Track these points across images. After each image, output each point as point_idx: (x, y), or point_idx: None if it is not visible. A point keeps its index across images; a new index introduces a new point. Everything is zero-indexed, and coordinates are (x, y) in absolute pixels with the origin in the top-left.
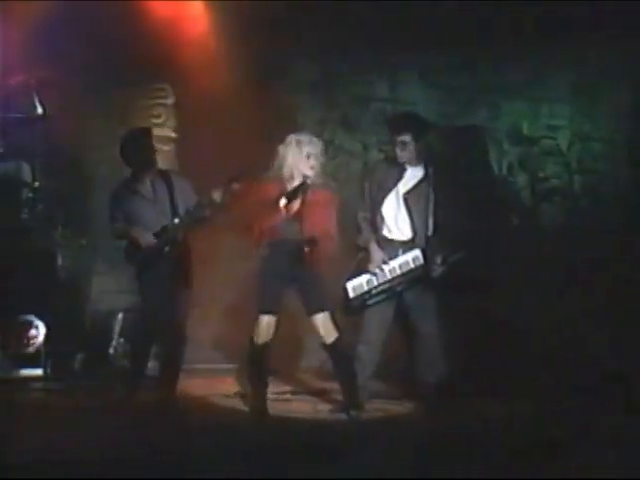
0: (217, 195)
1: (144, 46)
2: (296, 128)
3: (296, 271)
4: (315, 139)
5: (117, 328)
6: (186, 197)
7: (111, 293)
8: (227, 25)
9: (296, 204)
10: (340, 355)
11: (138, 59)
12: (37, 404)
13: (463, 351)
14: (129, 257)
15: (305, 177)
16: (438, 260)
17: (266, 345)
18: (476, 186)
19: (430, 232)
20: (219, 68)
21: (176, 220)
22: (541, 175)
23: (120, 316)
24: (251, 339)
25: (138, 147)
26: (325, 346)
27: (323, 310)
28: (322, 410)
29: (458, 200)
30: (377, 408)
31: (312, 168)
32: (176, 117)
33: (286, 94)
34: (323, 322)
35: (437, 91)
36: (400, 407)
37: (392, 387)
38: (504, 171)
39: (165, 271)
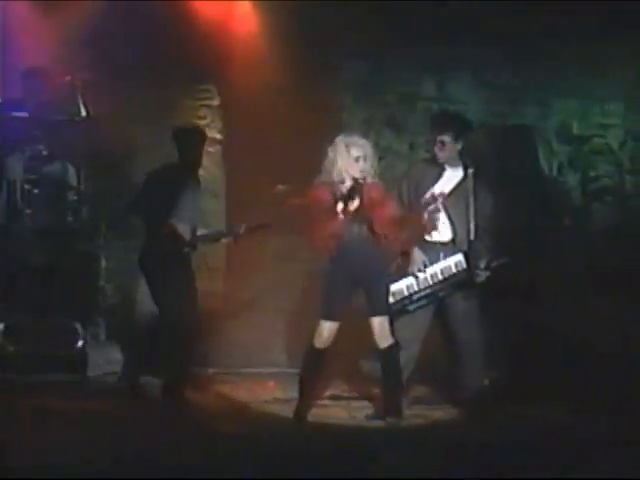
0: (241, 229)
1: (190, 47)
2: (342, 128)
3: (361, 273)
4: (364, 141)
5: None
6: None
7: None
8: (273, 25)
9: (354, 205)
10: (391, 362)
11: (184, 60)
12: (74, 409)
13: (507, 356)
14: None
15: (355, 180)
16: (482, 265)
17: (325, 352)
18: (525, 187)
19: (472, 236)
20: (265, 68)
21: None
22: (592, 175)
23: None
24: (311, 344)
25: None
26: (378, 350)
27: (384, 313)
28: (358, 417)
29: (501, 202)
30: (416, 414)
31: (362, 171)
32: (222, 118)
33: (332, 94)
34: (381, 325)
35: (486, 90)
36: (441, 413)
37: (434, 392)
38: (554, 171)
39: (181, 274)
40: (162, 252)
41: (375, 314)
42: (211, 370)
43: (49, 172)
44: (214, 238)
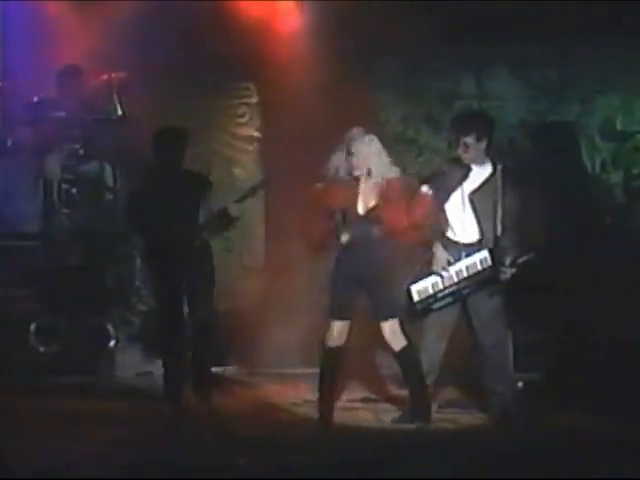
0: (234, 209)
1: (228, 45)
2: (380, 125)
3: (365, 275)
4: (370, 136)
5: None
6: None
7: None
8: (311, 23)
9: (362, 204)
10: (409, 362)
11: (222, 58)
12: (105, 410)
13: (539, 358)
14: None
15: (355, 177)
16: (507, 262)
17: (338, 351)
18: (566, 184)
19: (499, 232)
20: (303, 66)
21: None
22: (635, 172)
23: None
24: (323, 345)
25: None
26: (393, 354)
27: (392, 317)
28: (384, 420)
29: (536, 199)
30: (445, 418)
31: (386, 165)
32: (260, 116)
33: (370, 91)
34: (391, 329)
35: (527, 87)
36: (469, 418)
37: (466, 395)
38: (596, 168)
39: (179, 270)
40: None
41: (382, 318)
42: (246, 370)
43: (86, 172)
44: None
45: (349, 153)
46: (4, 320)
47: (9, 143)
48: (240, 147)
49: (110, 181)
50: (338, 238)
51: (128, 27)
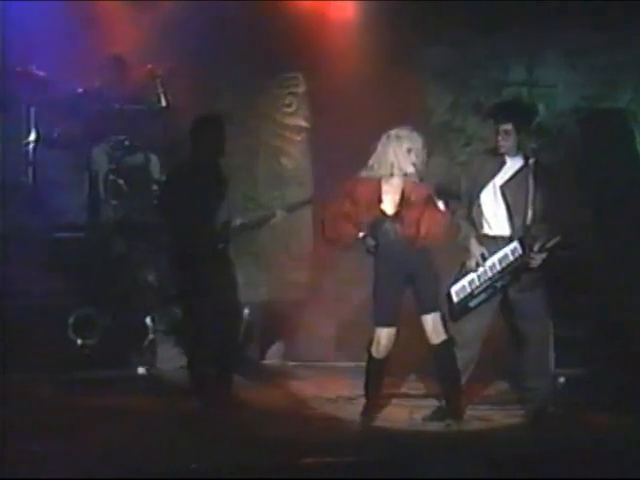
0: (280, 215)
1: (276, 34)
2: (428, 114)
3: (408, 272)
4: (416, 134)
5: (243, 322)
6: None
7: (241, 286)
8: (359, 12)
9: (399, 202)
10: (446, 357)
11: (270, 47)
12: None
13: (578, 355)
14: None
15: (405, 174)
16: (536, 247)
17: (385, 359)
18: (617, 172)
19: (529, 221)
20: (351, 55)
21: (238, 222)
22: None
23: (246, 311)
24: (369, 352)
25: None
26: (431, 347)
27: (435, 310)
28: (416, 417)
29: (564, 191)
30: (478, 416)
31: (414, 164)
32: (307, 106)
33: (418, 80)
34: (433, 322)
35: (577, 73)
36: (504, 415)
37: (505, 392)
38: None
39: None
40: (198, 250)
41: (426, 311)
42: (289, 363)
43: (133, 163)
44: (256, 224)
45: (408, 150)
46: (45, 313)
47: (55, 135)
48: (288, 137)
49: (156, 172)
50: (364, 237)
51: (175, 16)
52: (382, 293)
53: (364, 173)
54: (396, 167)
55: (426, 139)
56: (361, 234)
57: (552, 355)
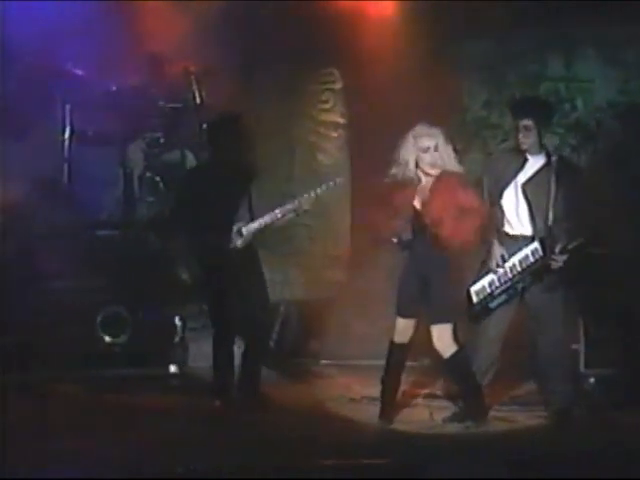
0: (306, 202)
1: (312, 30)
2: (463, 111)
3: (427, 274)
4: (435, 130)
5: (279, 320)
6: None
7: (277, 284)
8: (394, 8)
9: (424, 200)
10: (457, 370)
11: (306, 44)
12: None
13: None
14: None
15: (425, 173)
16: (557, 249)
17: (403, 348)
18: None
19: (550, 222)
20: (387, 51)
21: (262, 221)
22: None
23: (282, 308)
24: (390, 341)
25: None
26: (442, 360)
27: (444, 321)
28: (437, 418)
29: (587, 189)
30: (500, 417)
31: (432, 162)
32: (344, 102)
33: (453, 76)
34: (440, 334)
35: (616, 68)
36: (527, 416)
37: (527, 393)
38: None
39: (234, 270)
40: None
41: (434, 322)
42: (325, 362)
43: (169, 160)
44: (282, 218)
45: (425, 148)
46: (76, 310)
47: (90, 132)
48: (324, 133)
49: None
50: (398, 236)
51: (210, 13)
52: (401, 286)
53: (393, 170)
54: (415, 167)
55: (450, 132)
56: (394, 239)
57: (582, 355)
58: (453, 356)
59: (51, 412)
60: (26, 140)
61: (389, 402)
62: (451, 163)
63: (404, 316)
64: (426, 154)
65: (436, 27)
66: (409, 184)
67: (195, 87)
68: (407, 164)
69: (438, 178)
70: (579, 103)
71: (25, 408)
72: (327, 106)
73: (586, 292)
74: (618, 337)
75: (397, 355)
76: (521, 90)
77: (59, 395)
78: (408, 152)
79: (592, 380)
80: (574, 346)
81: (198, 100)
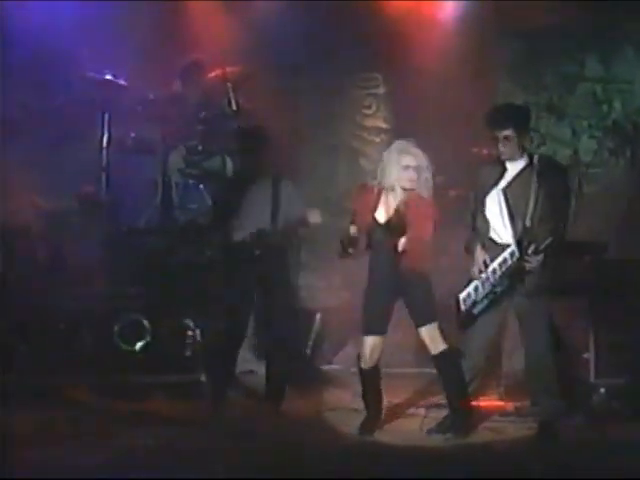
0: (313, 216)
1: (355, 35)
2: None
3: (399, 283)
4: (418, 150)
5: (315, 328)
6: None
7: (319, 290)
8: (435, 14)
9: (395, 215)
10: (447, 367)
11: (349, 49)
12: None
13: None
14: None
15: (404, 189)
16: (530, 250)
17: (375, 369)
18: None
19: (529, 223)
20: (429, 56)
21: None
22: None
23: (318, 316)
24: (358, 360)
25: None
26: (432, 357)
27: (429, 322)
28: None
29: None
30: (489, 427)
31: (411, 180)
32: (387, 107)
33: (495, 80)
34: (430, 333)
35: None
36: (518, 428)
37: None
38: None
39: (252, 274)
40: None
41: (421, 324)
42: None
43: (210, 167)
44: (292, 232)
45: (405, 167)
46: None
47: (130, 140)
48: (366, 138)
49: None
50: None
51: (252, 17)
52: (371, 301)
53: (378, 179)
54: (395, 180)
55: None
56: (352, 231)
57: (592, 365)
58: (442, 353)
59: (65, 418)
60: (66, 148)
61: (373, 415)
62: (426, 187)
63: (373, 333)
64: (406, 172)
65: (478, 32)
66: (385, 193)
67: (231, 94)
68: (386, 176)
69: (407, 198)
70: (617, 105)
71: (40, 414)
72: (370, 111)
73: (597, 300)
74: (629, 346)
75: (368, 379)
76: (558, 91)
77: (74, 401)
78: (389, 164)
79: (602, 390)
80: (585, 355)
81: (234, 107)
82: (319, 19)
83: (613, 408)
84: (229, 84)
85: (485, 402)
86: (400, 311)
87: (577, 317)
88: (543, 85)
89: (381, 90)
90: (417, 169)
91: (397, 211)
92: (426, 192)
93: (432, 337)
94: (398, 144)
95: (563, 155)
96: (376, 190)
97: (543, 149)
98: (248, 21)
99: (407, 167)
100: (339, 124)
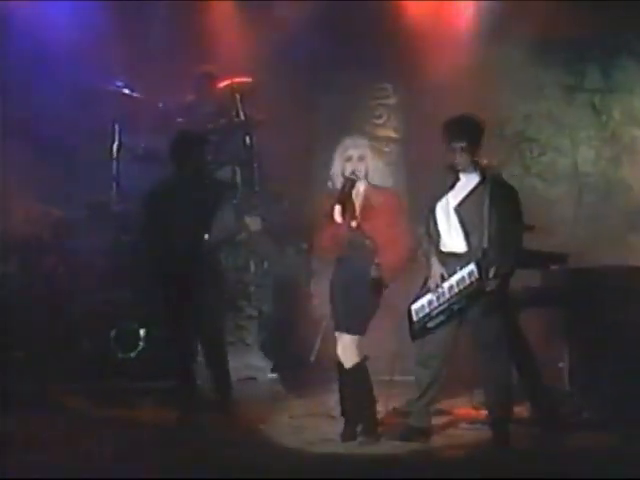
0: (253, 224)
1: (366, 46)
2: (504, 125)
3: (348, 282)
4: (361, 140)
5: (320, 335)
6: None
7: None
8: (446, 25)
9: (349, 210)
10: (354, 381)
11: (360, 59)
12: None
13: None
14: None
15: (346, 179)
16: (491, 273)
17: (353, 369)
18: None
19: (485, 243)
20: (439, 66)
21: (206, 236)
22: None
23: (324, 323)
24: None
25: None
26: (341, 369)
27: (348, 332)
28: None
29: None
30: (450, 434)
31: (353, 170)
32: (398, 117)
33: (502, 91)
34: (344, 344)
35: None
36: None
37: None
38: None
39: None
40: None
41: (340, 329)
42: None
43: (222, 177)
44: (227, 239)
45: (348, 157)
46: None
47: (140, 150)
48: (377, 148)
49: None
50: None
51: (265, 30)
52: (330, 299)
53: (329, 184)
54: (339, 172)
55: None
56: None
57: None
58: (355, 367)
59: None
60: (75, 157)
61: (349, 420)
62: (377, 176)
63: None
64: (349, 163)
65: (488, 44)
66: (336, 196)
67: (239, 104)
68: (335, 176)
69: (365, 193)
70: (615, 115)
71: (37, 420)
72: (380, 121)
73: (570, 310)
74: (603, 355)
75: (342, 376)
76: (558, 102)
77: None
78: (336, 163)
79: (576, 399)
80: (560, 364)
81: (242, 117)
82: (330, 31)
83: (583, 417)
84: (237, 95)
85: (455, 410)
86: (397, 318)
87: (552, 327)
88: (544, 95)
89: (392, 100)
90: (362, 159)
91: (362, 208)
92: (378, 180)
93: (344, 349)
94: (344, 140)
95: (563, 165)
96: (333, 192)
97: (543, 159)
98: (260, 33)
99: (349, 158)
100: (349, 134)
